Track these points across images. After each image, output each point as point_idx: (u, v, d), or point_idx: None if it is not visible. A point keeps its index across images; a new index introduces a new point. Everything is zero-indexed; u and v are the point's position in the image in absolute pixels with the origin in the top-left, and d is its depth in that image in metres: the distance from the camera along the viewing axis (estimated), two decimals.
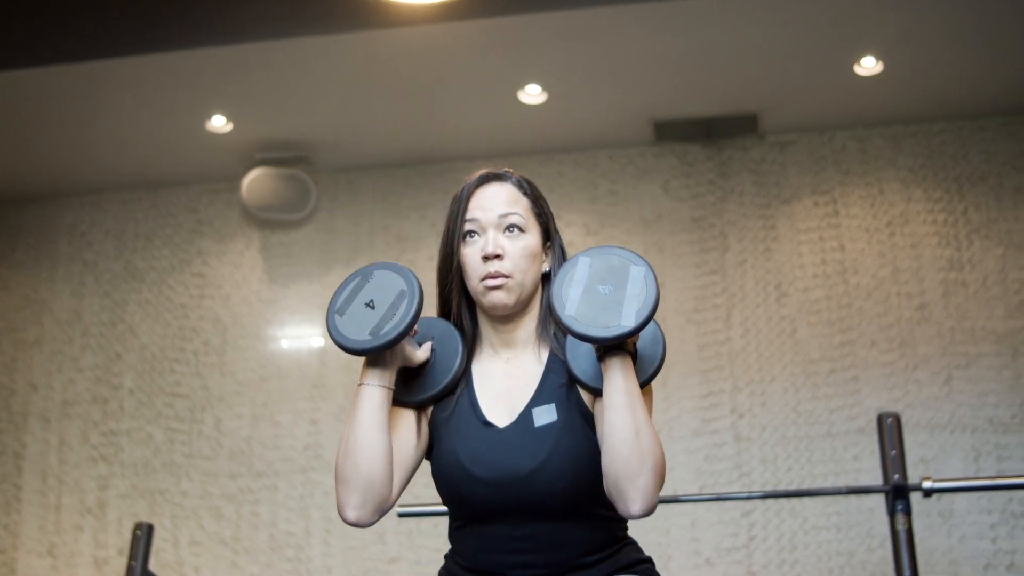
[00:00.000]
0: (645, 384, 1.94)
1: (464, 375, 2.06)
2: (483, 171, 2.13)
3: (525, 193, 2.11)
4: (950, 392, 5.17)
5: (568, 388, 1.99)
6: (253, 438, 5.63)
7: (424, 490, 5.35)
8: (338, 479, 1.94)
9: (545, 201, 2.15)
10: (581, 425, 1.96)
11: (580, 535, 1.96)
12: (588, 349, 1.95)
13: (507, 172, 2.13)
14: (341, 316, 1.95)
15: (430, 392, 2.04)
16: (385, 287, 1.96)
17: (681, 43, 4.88)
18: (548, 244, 2.12)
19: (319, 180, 5.88)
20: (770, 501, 5.10)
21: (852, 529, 5.02)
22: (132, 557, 3.67)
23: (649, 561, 2.05)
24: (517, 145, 5.72)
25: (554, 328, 2.06)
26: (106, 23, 4.69)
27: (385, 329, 1.91)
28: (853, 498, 5.01)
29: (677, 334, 5.42)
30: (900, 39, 4.87)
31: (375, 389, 1.96)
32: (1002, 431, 5.08)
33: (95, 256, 6.06)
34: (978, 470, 5.02)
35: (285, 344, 5.81)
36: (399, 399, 2.04)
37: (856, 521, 5.02)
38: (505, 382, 2.04)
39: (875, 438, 5.06)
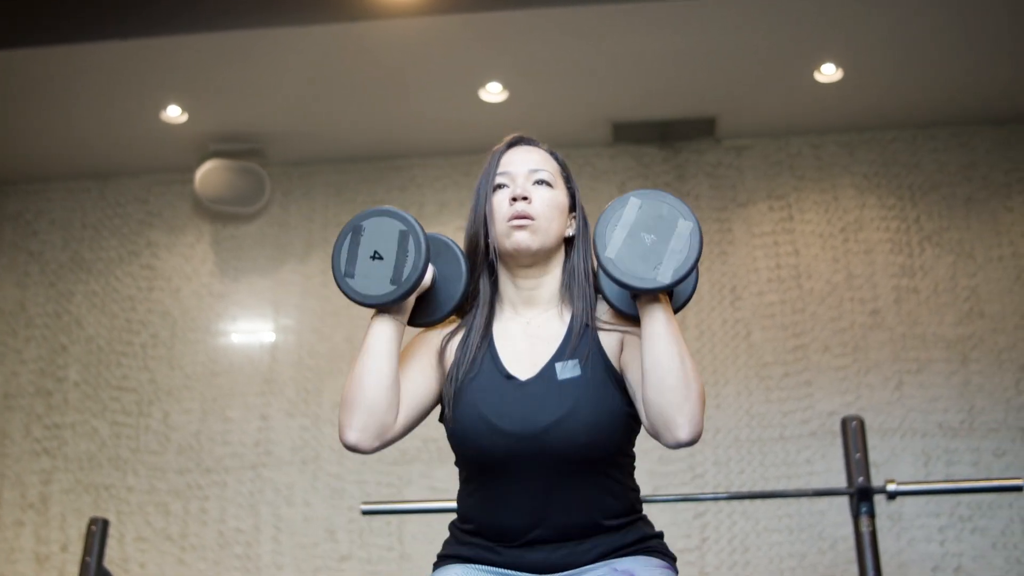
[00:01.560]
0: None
1: (485, 331, 2.05)
2: (514, 135, 2.16)
3: (555, 159, 2.15)
4: (901, 397, 5.23)
5: (592, 348, 1.98)
6: (202, 433, 5.54)
7: (387, 489, 5.30)
8: (343, 403, 1.93)
9: (573, 175, 2.17)
10: (605, 380, 1.95)
11: (600, 498, 1.95)
12: None
13: (538, 141, 2.17)
14: (353, 278, 1.93)
15: (451, 304, 2.05)
16: (383, 234, 1.94)
17: (641, 45, 4.90)
18: (573, 213, 2.12)
19: (273, 173, 5.81)
20: (723, 503, 5.13)
21: (804, 531, 5.07)
22: (87, 553, 3.58)
23: (662, 536, 2.06)
24: (476, 143, 5.62)
25: (577, 289, 2.06)
26: (60, 8, 4.60)
27: (406, 274, 1.90)
28: (805, 501, 5.06)
29: None
30: (862, 47, 4.92)
31: (386, 320, 1.95)
32: (951, 436, 5.15)
33: (40, 246, 5.93)
34: (927, 474, 5.08)
35: (235, 338, 5.73)
36: (426, 322, 2.06)
37: (808, 524, 5.07)
38: (527, 340, 2.03)
39: (827, 441, 5.12)
